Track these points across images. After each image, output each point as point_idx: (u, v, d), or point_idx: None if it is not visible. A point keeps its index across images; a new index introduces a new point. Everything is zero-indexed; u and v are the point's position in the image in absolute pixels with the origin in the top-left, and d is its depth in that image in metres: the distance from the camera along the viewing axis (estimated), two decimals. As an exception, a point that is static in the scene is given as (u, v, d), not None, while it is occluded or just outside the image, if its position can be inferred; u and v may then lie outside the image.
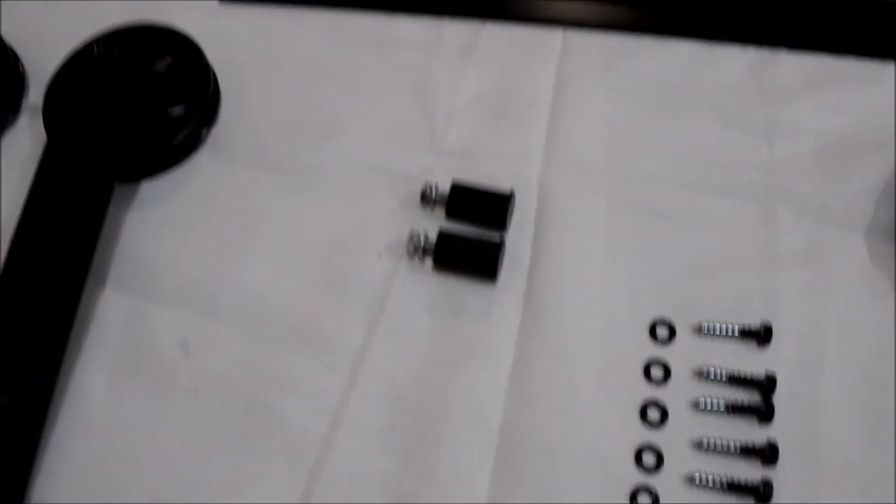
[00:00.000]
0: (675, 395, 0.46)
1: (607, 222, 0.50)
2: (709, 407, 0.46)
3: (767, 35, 0.58)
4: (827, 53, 0.57)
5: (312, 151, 0.53)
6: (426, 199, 0.50)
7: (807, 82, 0.56)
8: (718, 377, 0.47)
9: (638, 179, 0.52)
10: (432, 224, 0.50)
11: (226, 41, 0.58)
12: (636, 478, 0.44)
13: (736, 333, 0.48)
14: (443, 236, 0.48)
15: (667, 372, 0.47)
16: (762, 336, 0.47)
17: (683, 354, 0.47)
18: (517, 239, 0.50)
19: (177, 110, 0.53)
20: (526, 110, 0.54)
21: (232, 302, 0.49)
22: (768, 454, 0.44)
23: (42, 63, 0.58)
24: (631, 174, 0.52)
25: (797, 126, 0.54)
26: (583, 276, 0.49)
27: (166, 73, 0.54)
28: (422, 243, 0.48)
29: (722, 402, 0.46)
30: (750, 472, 0.44)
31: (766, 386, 0.46)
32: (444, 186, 0.50)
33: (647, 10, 0.58)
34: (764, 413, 0.45)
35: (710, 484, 0.44)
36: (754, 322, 0.47)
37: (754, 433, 0.45)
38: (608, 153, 0.52)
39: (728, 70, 0.56)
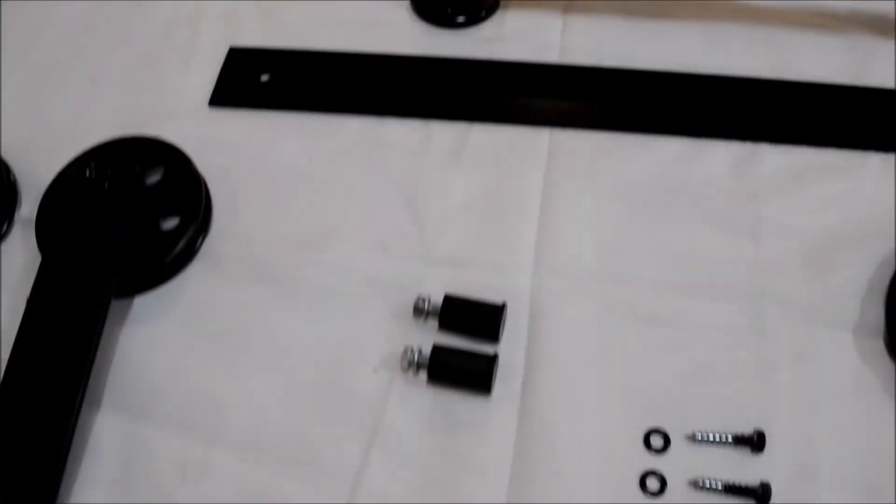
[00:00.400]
0: (672, 508, 0.46)
1: (599, 329, 0.51)
2: (706, 519, 0.46)
3: (750, 130, 0.59)
4: (808, 146, 0.59)
5: (305, 263, 0.54)
6: (419, 311, 0.50)
7: (790, 176, 0.57)
8: (714, 487, 0.47)
9: (628, 283, 0.52)
10: (426, 336, 0.50)
11: (216, 147, 0.59)
12: None
13: (730, 441, 0.48)
14: (436, 351, 0.48)
15: (663, 483, 0.47)
16: (756, 443, 0.47)
17: (679, 464, 0.47)
18: (510, 349, 0.50)
19: (170, 223, 0.54)
20: (515, 216, 0.55)
21: (229, 423, 0.49)
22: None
23: (34, 174, 0.59)
24: (621, 278, 0.53)
25: (782, 223, 0.55)
26: (577, 386, 0.49)
27: (158, 185, 0.55)
28: (416, 358, 0.48)
29: (719, 513, 0.46)
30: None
31: (762, 495, 0.46)
32: (437, 297, 0.51)
33: (632, 109, 0.59)
34: (760, 524, 0.45)
35: None
36: (748, 429, 0.48)
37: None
38: (597, 257, 0.53)
39: (712, 166, 0.57)
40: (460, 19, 0.64)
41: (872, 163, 0.58)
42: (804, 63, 0.62)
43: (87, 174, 0.52)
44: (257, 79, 0.61)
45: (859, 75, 0.62)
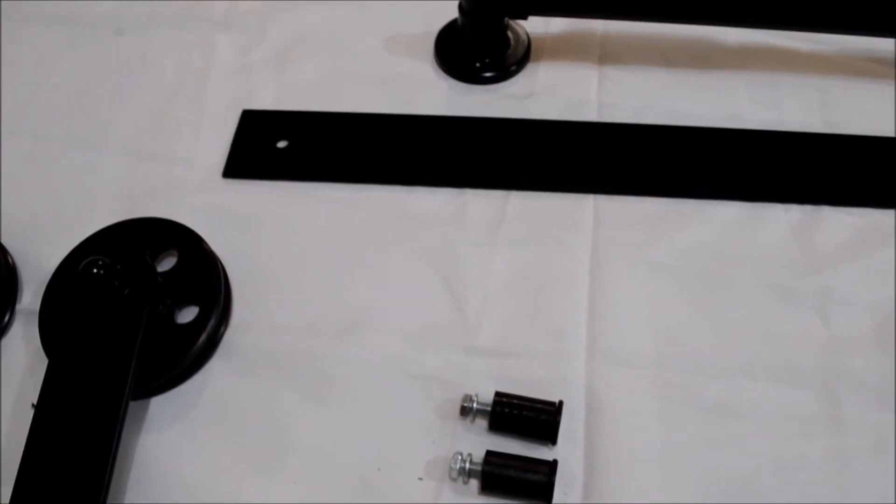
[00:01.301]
0: None
1: (661, 423, 0.46)
2: None
3: (808, 191, 0.55)
4: (872, 206, 0.55)
5: (335, 355, 0.49)
6: (467, 411, 0.45)
7: (855, 241, 0.53)
8: None
9: (689, 369, 0.48)
10: (474, 438, 0.46)
11: (233, 223, 0.54)
12: None
13: (810, 547, 0.44)
14: (490, 457, 0.44)
15: None
16: (839, 548, 0.44)
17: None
18: (568, 449, 0.46)
19: (187, 315, 0.49)
20: (563, 296, 0.50)
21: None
22: None
23: (35, 256, 0.54)
24: (681, 364, 0.48)
25: (851, 295, 0.50)
26: (641, 488, 0.45)
27: (172, 273, 0.50)
28: (467, 465, 0.44)
29: None
30: None
31: None
32: (484, 394, 0.46)
33: (681, 171, 0.55)
34: None
35: None
36: (829, 532, 0.44)
37: None
38: (654, 341, 0.49)
39: (772, 233, 0.53)
40: (489, 74, 0.60)
41: (941, 221, 0.55)
42: (859, 114, 0.59)
43: (94, 270, 0.48)
44: (274, 145, 0.57)
45: (916, 125, 0.59)
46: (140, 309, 0.48)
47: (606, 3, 0.55)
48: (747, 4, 0.57)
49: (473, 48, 0.60)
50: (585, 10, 0.57)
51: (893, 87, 0.60)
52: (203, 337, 0.48)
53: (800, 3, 0.56)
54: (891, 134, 0.57)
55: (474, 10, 0.57)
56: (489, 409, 0.46)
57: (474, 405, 0.46)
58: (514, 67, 0.60)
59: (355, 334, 0.50)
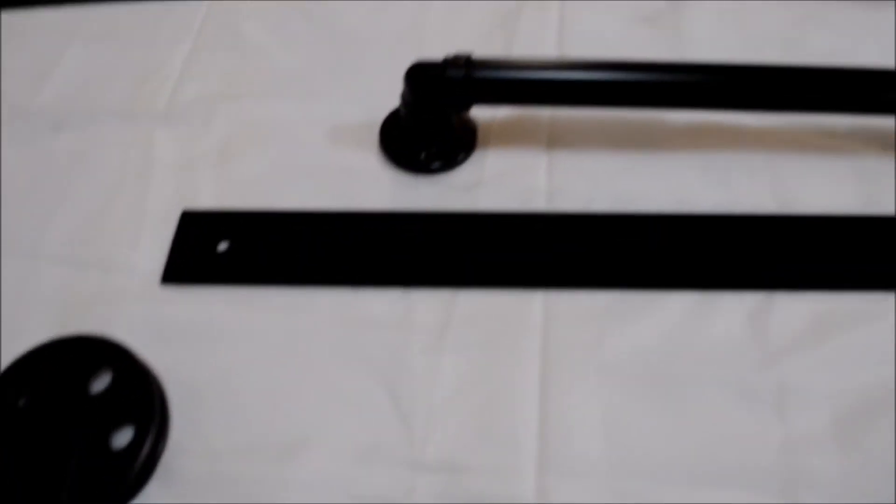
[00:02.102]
0: None
1: (617, 536, 0.45)
2: None
3: (762, 276, 0.53)
4: (828, 290, 0.53)
5: (276, 479, 0.46)
6: (411, 537, 0.44)
7: (811, 329, 0.51)
8: None
9: (642, 476, 0.46)
10: (421, 564, 0.44)
11: (172, 334, 0.52)
12: None
13: None
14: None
15: None
16: None
17: None
18: (519, 570, 0.44)
19: (122, 440, 0.47)
20: (512, 404, 0.48)
21: None
22: None
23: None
24: (633, 471, 0.46)
25: (808, 389, 0.49)
26: None
27: (106, 394, 0.48)
28: None
29: None
30: None
31: None
32: (431, 516, 0.44)
33: (633, 262, 0.54)
34: None
35: None
36: None
37: None
38: (608, 449, 0.47)
39: (726, 324, 0.51)
40: (436, 165, 0.58)
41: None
42: (811, 192, 0.58)
43: (17, 384, 0.46)
44: (214, 248, 0.55)
45: (871, 201, 0.57)
46: (68, 433, 0.46)
47: (548, 93, 0.54)
48: (692, 90, 0.56)
49: (418, 138, 0.59)
50: (528, 101, 0.56)
51: (845, 162, 0.59)
52: (138, 462, 0.46)
53: (744, 86, 0.56)
54: (842, 211, 0.57)
55: (416, 103, 0.56)
56: (436, 533, 0.44)
57: (419, 531, 0.44)
58: (461, 156, 0.59)
59: (297, 455, 0.47)
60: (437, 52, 0.57)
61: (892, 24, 0.68)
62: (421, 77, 0.54)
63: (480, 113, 0.61)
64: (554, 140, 0.60)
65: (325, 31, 0.69)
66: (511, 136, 0.61)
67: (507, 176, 0.58)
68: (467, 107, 0.57)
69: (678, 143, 0.60)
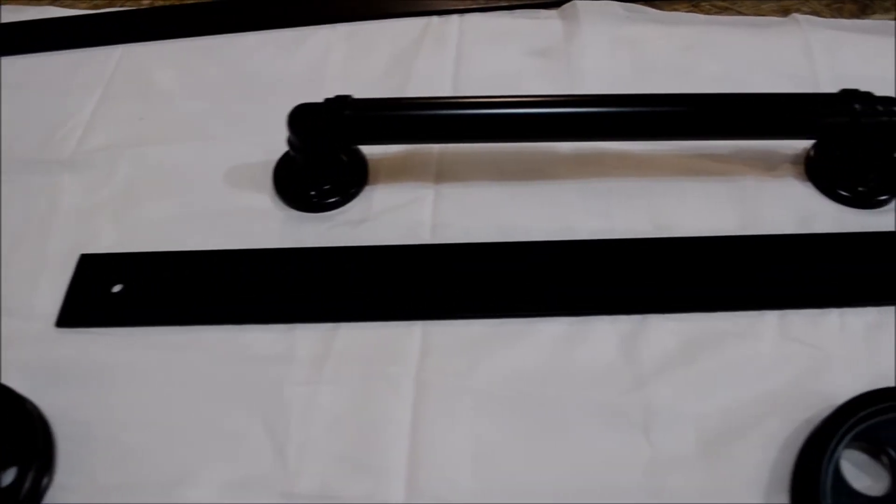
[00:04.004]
0: None
1: (481, 562, 0.46)
2: None
3: (635, 300, 0.55)
4: (699, 311, 0.55)
5: (156, 516, 0.48)
6: (278, 568, 0.45)
7: (680, 351, 0.53)
8: None
9: (509, 501, 0.47)
10: None
11: (62, 376, 0.53)
12: None
13: None
14: None
15: None
16: None
17: None
18: None
19: (4, 480, 0.49)
20: (384, 433, 0.50)
21: None
22: None
23: None
24: (502, 497, 0.47)
25: (675, 410, 0.50)
26: None
27: (-8, 438, 0.50)
28: None
29: None
30: None
31: None
32: (299, 547, 0.46)
33: (509, 290, 0.55)
34: None
35: None
36: None
37: None
38: (476, 476, 0.48)
39: (598, 349, 0.53)
40: (325, 202, 0.60)
41: (769, 324, 0.54)
42: (690, 215, 0.59)
43: None
44: (109, 290, 0.57)
45: (749, 222, 0.59)
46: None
47: (423, 131, 0.56)
48: (573, 122, 0.58)
49: (308, 177, 0.61)
50: (404, 139, 0.58)
51: (725, 185, 0.61)
52: (19, 501, 0.48)
53: (624, 118, 0.58)
54: (716, 232, 0.58)
55: (300, 144, 0.58)
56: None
57: (285, 562, 0.45)
58: (351, 193, 0.61)
59: (176, 490, 0.49)
60: (336, 92, 0.60)
61: (781, 47, 0.71)
62: (301, 120, 0.56)
63: (372, 149, 0.64)
64: (442, 174, 0.62)
65: (233, 73, 0.71)
66: (400, 171, 0.63)
67: (394, 210, 0.60)
68: (348, 146, 0.59)
69: (563, 172, 0.62)
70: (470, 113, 0.55)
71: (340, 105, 0.56)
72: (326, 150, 0.59)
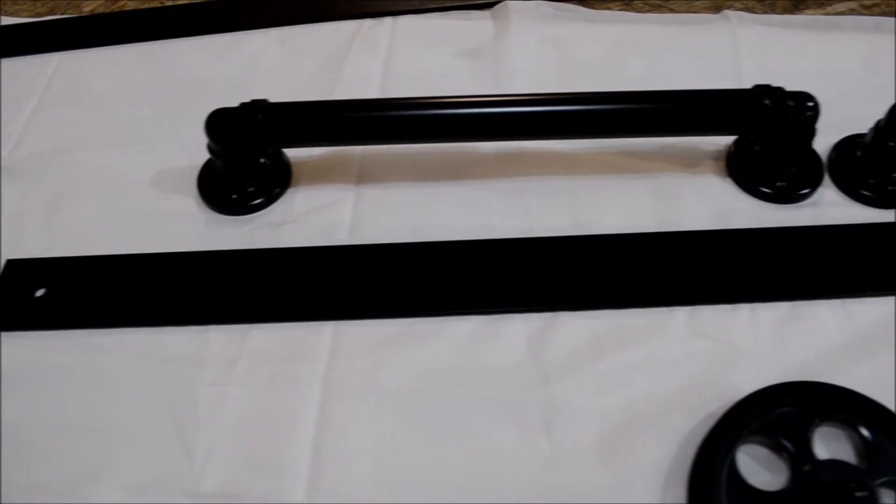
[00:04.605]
0: None
1: (378, 559, 0.47)
2: None
3: (547, 297, 0.55)
4: (610, 308, 0.55)
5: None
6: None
7: (588, 348, 0.53)
8: None
9: (409, 498, 0.48)
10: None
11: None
12: None
13: None
14: None
15: None
16: None
17: None
18: None
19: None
20: (290, 432, 0.50)
21: None
22: None
23: None
24: (401, 494, 0.48)
25: (578, 407, 0.51)
26: None
27: None
28: None
29: None
30: None
31: None
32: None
33: (422, 289, 0.56)
34: None
35: None
36: None
37: None
38: (376, 474, 0.49)
39: (507, 347, 0.53)
40: (248, 205, 0.61)
41: (678, 320, 0.55)
42: (608, 213, 0.60)
43: None
44: (31, 295, 0.58)
45: (664, 220, 0.60)
46: None
47: (338, 133, 0.57)
48: (490, 123, 0.59)
49: (229, 181, 0.61)
50: (319, 141, 0.59)
51: (645, 182, 0.61)
52: (-69, 506, 0.49)
53: (539, 118, 0.58)
54: (634, 229, 0.58)
55: (218, 148, 0.58)
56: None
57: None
58: (273, 195, 0.61)
59: (85, 490, 0.49)
60: (266, 96, 0.60)
61: (709, 43, 0.71)
62: (217, 125, 0.57)
63: (296, 152, 0.64)
64: (364, 175, 0.63)
65: (167, 79, 0.72)
66: (323, 173, 0.64)
67: (314, 212, 0.61)
68: (265, 150, 0.60)
69: (484, 172, 0.63)
70: (379, 115, 0.56)
71: (254, 109, 0.57)
72: (244, 154, 0.60)
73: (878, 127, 0.60)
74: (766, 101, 0.57)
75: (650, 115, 0.58)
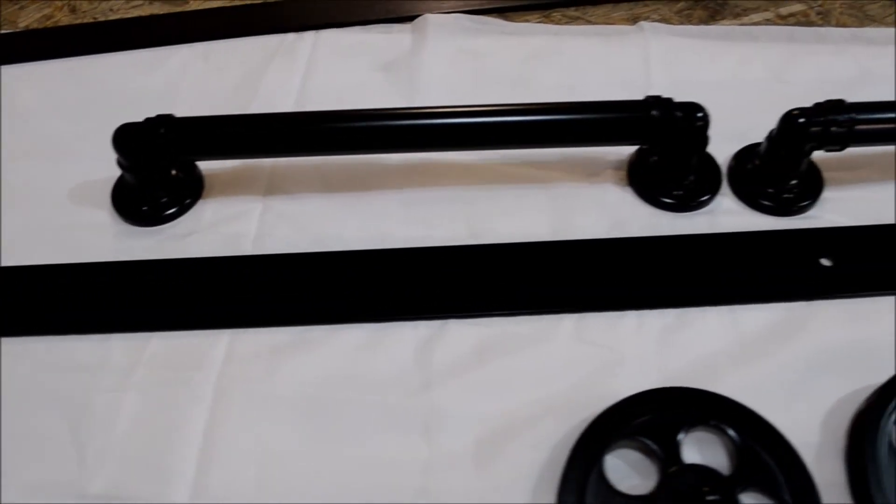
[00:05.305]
0: None
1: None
2: None
3: (437, 305, 0.57)
4: (499, 315, 0.57)
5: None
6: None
7: (472, 355, 0.55)
8: None
9: (289, 500, 0.49)
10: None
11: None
12: None
13: None
14: None
15: None
16: None
17: None
18: None
19: None
20: (178, 437, 0.52)
21: None
22: None
23: None
24: (281, 496, 0.49)
25: (457, 413, 0.52)
26: None
27: None
28: None
29: None
30: None
31: None
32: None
33: (316, 298, 0.58)
34: None
35: None
36: None
37: None
38: (259, 477, 0.50)
39: (394, 355, 0.55)
40: (157, 216, 0.63)
41: (564, 327, 0.56)
42: (506, 222, 0.61)
43: None
44: (-54, 307, 0.60)
45: (560, 228, 0.61)
46: None
47: (240, 146, 0.59)
48: (391, 135, 0.60)
49: (141, 193, 0.63)
50: (223, 154, 0.60)
51: (543, 191, 0.63)
52: None
53: (442, 130, 0.60)
54: (530, 238, 0.60)
55: (126, 161, 0.60)
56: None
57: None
58: (184, 206, 0.63)
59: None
60: (189, 110, 0.62)
61: (622, 54, 0.72)
62: (123, 139, 0.59)
63: (208, 164, 0.66)
64: (272, 187, 0.65)
65: (93, 93, 0.74)
66: (233, 184, 0.65)
67: (222, 224, 0.63)
68: (174, 162, 0.62)
69: (389, 183, 0.64)
70: (280, 128, 0.58)
71: (158, 124, 0.59)
72: (151, 167, 0.62)
73: (771, 137, 0.61)
74: (654, 112, 0.58)
75: (540, 127, 0.59)
